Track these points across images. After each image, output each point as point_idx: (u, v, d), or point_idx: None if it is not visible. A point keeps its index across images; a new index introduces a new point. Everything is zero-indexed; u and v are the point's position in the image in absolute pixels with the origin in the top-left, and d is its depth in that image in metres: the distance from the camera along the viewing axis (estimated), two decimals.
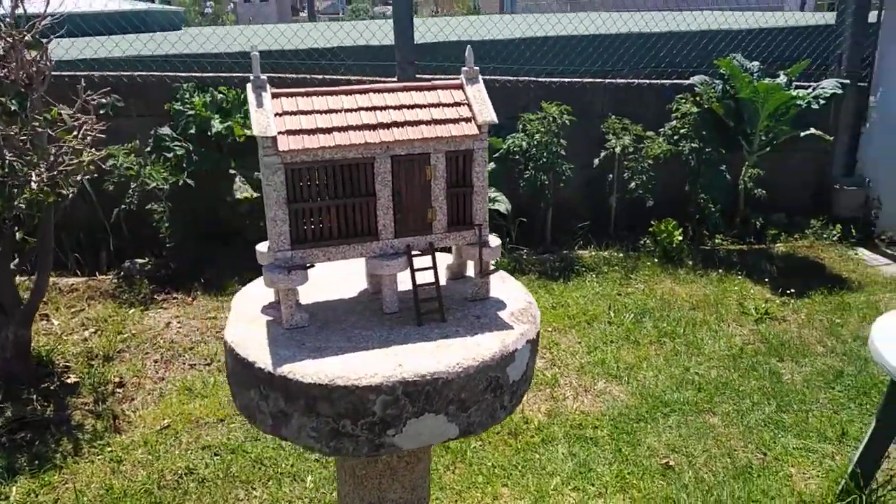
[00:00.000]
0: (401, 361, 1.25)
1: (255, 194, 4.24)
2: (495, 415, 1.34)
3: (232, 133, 4.27)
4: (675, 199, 5.30)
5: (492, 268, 1.50)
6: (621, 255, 5.03)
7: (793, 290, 4.53)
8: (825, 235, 5.48)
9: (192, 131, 4.08)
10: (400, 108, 1.37)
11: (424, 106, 1.39)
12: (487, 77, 5.12)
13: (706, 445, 2.96)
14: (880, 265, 5.13)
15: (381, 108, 1.36)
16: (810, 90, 4.92)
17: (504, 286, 1.58)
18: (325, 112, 1.33)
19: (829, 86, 4.86)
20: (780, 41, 5.73)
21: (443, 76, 5.02)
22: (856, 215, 5.64)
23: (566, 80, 5.19)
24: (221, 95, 4.33)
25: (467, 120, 1.39)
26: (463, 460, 2.78)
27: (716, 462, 2.86)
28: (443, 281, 1.53)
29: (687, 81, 5.31)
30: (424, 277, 1.41)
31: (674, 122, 5.19)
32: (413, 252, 1.41)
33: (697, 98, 5.10)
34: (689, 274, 4.81)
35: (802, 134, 5.05)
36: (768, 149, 5.13)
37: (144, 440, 2.77)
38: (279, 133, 1.27)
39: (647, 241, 5.12)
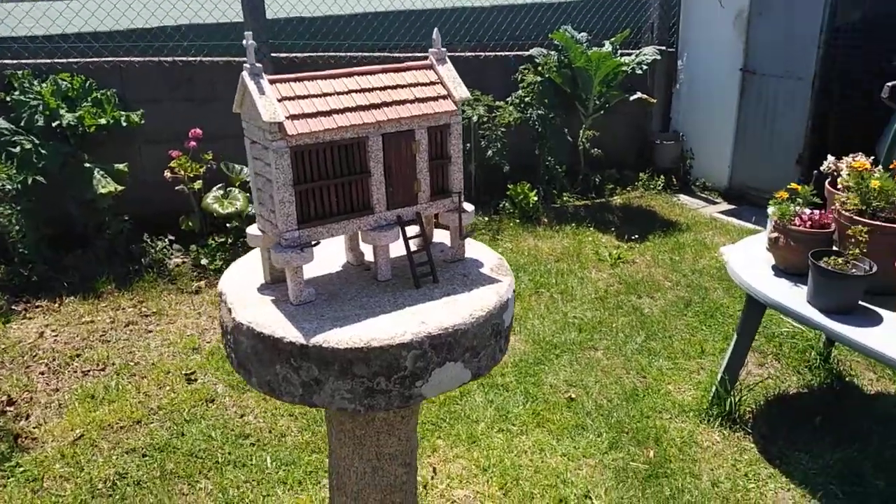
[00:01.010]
0: (422, 319, 1.38)
1: (118, 187, 3.99)
2: (496, 357, 1.52)
3: (82, 124, 3.96)
4: (527, 163, 5.73)
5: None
6: (486, 218, 5.36)
7: (636, 236, 5.13)
8: (651, 186, 6.22)
9: (40, 123, 3.74)
10: (385, 88, 1.48)
11: (405, 86, 1.50)
12: (342, 53, 5.17)
13: (597, 377, 3.36)
14: (699, 207, 5.93)
15: (369, 90, 1.46)
16: (633, 57, 5.53)
17: (472, 247, 1.74)
18: (321, 96, 1.40)
19: (649, 52, 5.49)
20: (602, 13, 6.33)
21: (311, 54, 5.00)
22: (674, 166, 6.44)
23: (416, 55, 5.36)
24: (65, 83, 3.99)
25: (444, 97, 1.53)
26: None
27: (608, 390, 3.26)
28: (414, 248, 1.67)
29: (527, 53, 5.72)
30: (413, 244, 1.54)
31: (520, 92, 5.58)
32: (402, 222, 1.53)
33: (540, 68, 5.52)
34: (546, 230, 5.25)
35: (631, 98, 5.67)
36: (602, 112, 5.70)
37: (60, 453, 2.60)
38: (285, 118, 1.33)
39: (507, 204, 5.51)
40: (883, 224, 2.52)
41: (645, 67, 5.43)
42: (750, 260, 2.94)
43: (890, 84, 4.29)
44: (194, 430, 2.80)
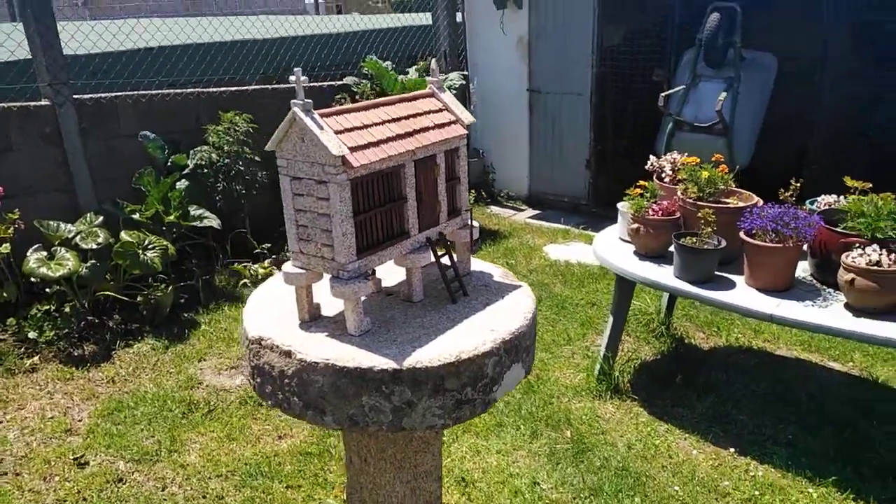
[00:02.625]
0: (490, 327, 1.48)
1: None
2: (534, 353, 1.65)
3: None
4: None
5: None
6: None
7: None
8: (470, 203, 6.66)
9: None
10: (409, 118, 1.54)
11: (422, 114, 1.58)
12: (151, 91, 4.84)
13: None
14: (511, 215, 6.50)
15: (397, 120, 1.52)
16: (444, 81, 5.90)
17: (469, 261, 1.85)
18: (364, 128, 1.43)
19: (455, 77, 5.92)
20: (398, 42, 6.65)
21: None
22: (479, 181, 6.96)
23: (235, 88, 5.20)
24: None
25: (454, 122, 1.63)
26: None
27: None
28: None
29: (339, 82, 5.83)
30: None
31: None
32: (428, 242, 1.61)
33: (357, 97, 5.67)
34: None
35: None
36: None
37: None
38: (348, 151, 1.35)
39: None
40: (720, 206, 3.09)
41: (454, 91, 5.84)
42: (614, 251, 3.38)
43: (663, 94, 5.16)
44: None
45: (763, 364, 3.76)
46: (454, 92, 5.87)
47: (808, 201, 3.26)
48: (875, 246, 2.68)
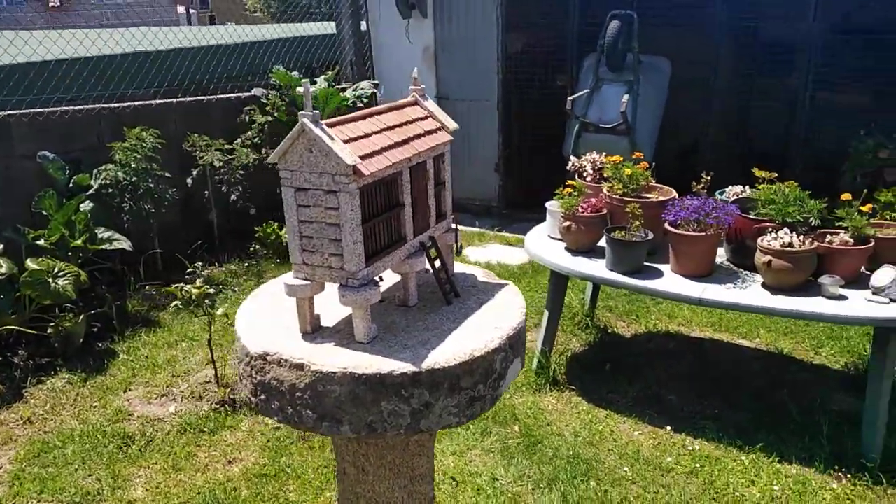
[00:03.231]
0: (494, 325, 1.53)
1: None
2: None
3: None
4: (269, 204, 5.67)
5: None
6: (245, 264, 5.20)
7: None
8: None
9: None
10: (401, 126, 1.57)
11: (411, 122, 1.61)
12: (48, 108, 4.52)
13: None
14: None
15: (392, 129, 1.54)
16: (353, 90, 5.90)
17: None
18: (367, 136, 1.45)
19: (366, 86, 5.92)
20: (304, 51, 6.57)
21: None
22: None
23: (139, 103, 4.96)
24: None
25: (440, 129, 1.68)
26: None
27: None
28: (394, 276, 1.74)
29: (246, 94, 5.68)
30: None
31: (249, 133, 5.52)
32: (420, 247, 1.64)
33: (268, 108, 5.54)
34: None
35: None
36: None
37: None
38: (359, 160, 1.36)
39: (258, 247, 5.41)
40: (645, 200, 3.30)
41: (365, 100, 5.85)
42: (546, 248, 3.52)
43: (570, 98, 5.41)
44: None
45: (681, 346, 4.03)
46: (365, 101, 5.88)
47: (717, 192, 3.54)
48: (786, 229, 2.97)
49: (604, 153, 3.79)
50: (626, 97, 5.24)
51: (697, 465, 2.89)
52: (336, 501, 1.88)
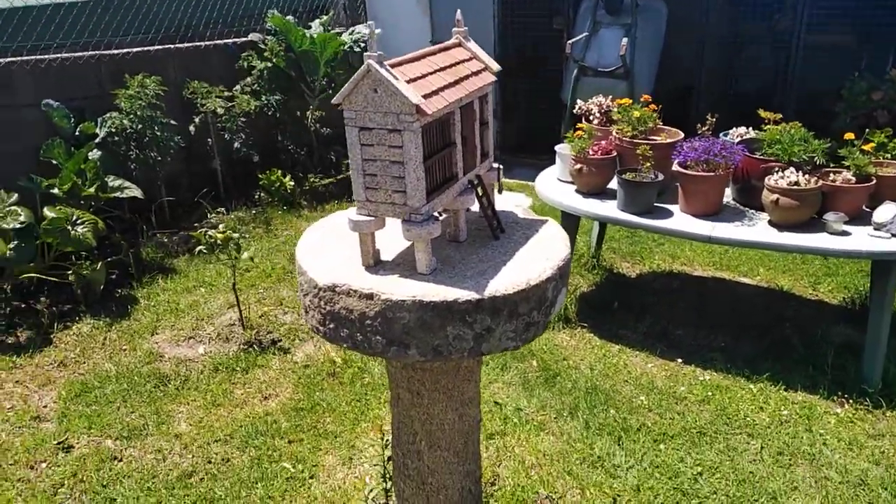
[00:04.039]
0: (545, 256, 1.63)
1: None
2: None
3: None
4: (268, 151, 5.70)
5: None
6: (253, 211, 5.25)
7: None
8: None
9: None
10: (451, 67, 1.63)
11: (459, 63, 1.68)
12: (49, 56, 4.48)
13: None
14: None
15: (444, 69, 1.60)
16: (350, 34, 5.85)
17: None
18: (424, 77, 1.51)
19: (363, 30, 5.87)
20: None
21: None
22: None
23: (138, 49, 4.91)
24: None
25: (484, 70, 1.74)
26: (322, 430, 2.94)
27: None
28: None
29: (242, 39, 5.62)
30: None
31: (248, 79, 5.49)
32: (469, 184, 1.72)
33: (266, 53, 5.50)
34: (314, 212, 5.38)
35: None
36: (327, 92, 5.93)
37: None
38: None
39: (262, 194, 5.45)
40: (655, 142, 3.38)
41: (363, 45, 5.81)
42: (557, 191, 3.61)
43: (569, 41, 5.42)
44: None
45: (685, 284, 4.18)
46: (363, 45, 5.84)
47: (721, 133, 3.63)
48: (792, 169, 3.07)
49: (604, 97, 3.85)
50: (625, 40, 5.26)
51: (709, 394, 3.06)
52: (391, 425, 2.00)
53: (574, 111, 4.02)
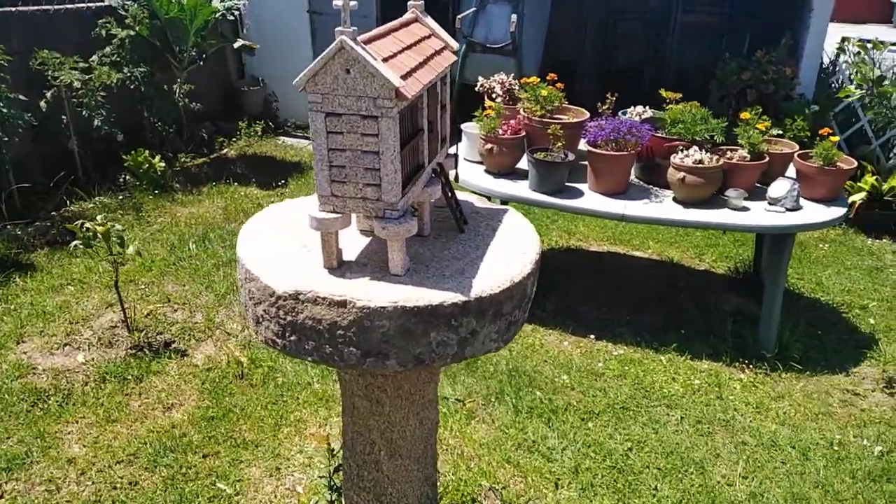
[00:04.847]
0: (521, 249, 1.53)
1: None
2: None
3: None
4: (133, 128, 5.15)
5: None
6: (120, 197, 4.73)
7: (282, 182, 5.27)
8: (252, 133, 6.27)
9: None
10: (416, 44, 1.48)
11: (421, 40, 1.52)
12: None
13: None
14: (307, 145, 6.29)
15: (411, 47, 1.44)
16: (222, 2, 5.39)
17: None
18: (395, 56, 1.35)
19: None
20: None
21: None
22: (262, 111, 6.58)
23: None
24: None
25: (445, 48, 1.60)
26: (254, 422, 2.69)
27: None
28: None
29: (98, 3, 5.01)
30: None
31: (107, 49, 4.91)
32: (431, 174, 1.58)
33: (128, 21, 4.93)
34: (189, 196, 4.94)
35: (236, 45, 5.55)
36: (198, 63, 5.45)
37: None
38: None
39: (128, 177, 4.94)
40: (565, 121, 3.38)
41: (236, 12, 5.38)
42: (467, 172, 3.52)
43: (459, 16, 5.32)
44: None
45: (583, 260, 4.27)
46: (235, 14, 5.42)
47: (620, 112, 3.70)
48: (695, 147, 3.19)
49: (488, 73, 3.82)
50: (514, 17, 5.24)
51: (624, 368, 3.14)
52: (342, 435, 1.84)
53: (476, 89, 3.94)
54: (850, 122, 5.10)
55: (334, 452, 2.14)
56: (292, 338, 1.40)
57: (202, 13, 5.06)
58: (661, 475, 2.53)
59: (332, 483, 2.10)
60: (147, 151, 4.94)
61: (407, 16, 1.59)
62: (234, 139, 6.14)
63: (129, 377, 2.88)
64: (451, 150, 1.71)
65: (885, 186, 4.62)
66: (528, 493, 2.40)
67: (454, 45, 1.62)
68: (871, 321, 3.58)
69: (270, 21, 6.34)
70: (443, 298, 1.34)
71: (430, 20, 1.62)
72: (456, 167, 1.71)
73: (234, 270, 3.89)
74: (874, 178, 4.63)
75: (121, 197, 4.73)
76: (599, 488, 2.44)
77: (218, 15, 5.26)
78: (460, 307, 1.35)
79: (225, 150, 5.94)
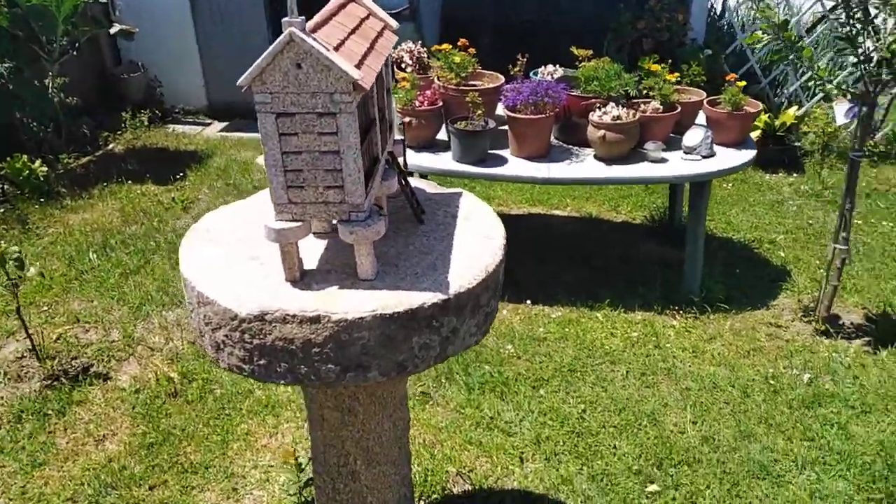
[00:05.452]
0: (485, 234, 1.47)
1: None
2: None
3: None
4: (2, 131, 4.66)
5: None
6: (2, 210, 4.29)
7: (180, 175, 4.93)
8: (139, 124, 5.82)
9: None
10: (359, 27, 1.36)
11: (362, 21, 1.40)
12: None
13: None
14: (200, 131, 5.92)
15: (354, 31, 1.32)
16: None
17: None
18: (343, 43, 1.23)
19: None
20: None
21: None
22: (145, 98, 6.12)
23: None
24: None
25: (385, 28, 1.48)
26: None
27: None
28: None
29: None
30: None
31: None
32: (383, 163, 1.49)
33: None
34: (81, 201, 4.55)
35: (112, 31, 5.08)
36: (73, 53, 4.97)
37: None
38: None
39: (7, 186, 4.48)
40: (482, 88, 3.32)
41: None
42: None
43: None
44: None
45: (506, 224, 4.22)
46: None
47: (531, 73, 3.67)
48: (612, 103, 3.21)
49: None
50: None
51: (565, 330, 3.17)
52: (311, 449, 1.74)
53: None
54: (741, 64, 5.33)
55: (302, 467, 2.04)
56: (261, 362, 1.28)
57: (68, 0, 4.59)
58: (618, 432, 2.58)
59: (303, 499, 1.99)
60: (25, 156, 4.49)
61: None
62: (118, 132, 5.68)
63: (50, 412, 2.63)
64: (398, 136, 1.61)
65: (777, 122, 4.87)
66: (496, 471, 2.39)
67: (393, 23, 1.51)
68: (781, 254, 3.79)
69: (144, 1, 5.85)
70: (422, 300, 1.26)
71: (367, 0, 1.49)
72: (404, 153, 1.62)
73: (144, 278, 3.62)
74: (766, 115, 4.86)
75: (1, 210, 4.29)
76: (563, 455, 2.47)
77: (88, 1, 4.79)
78: (440, 306, 1.28)
79: (111, 146, 5.49)
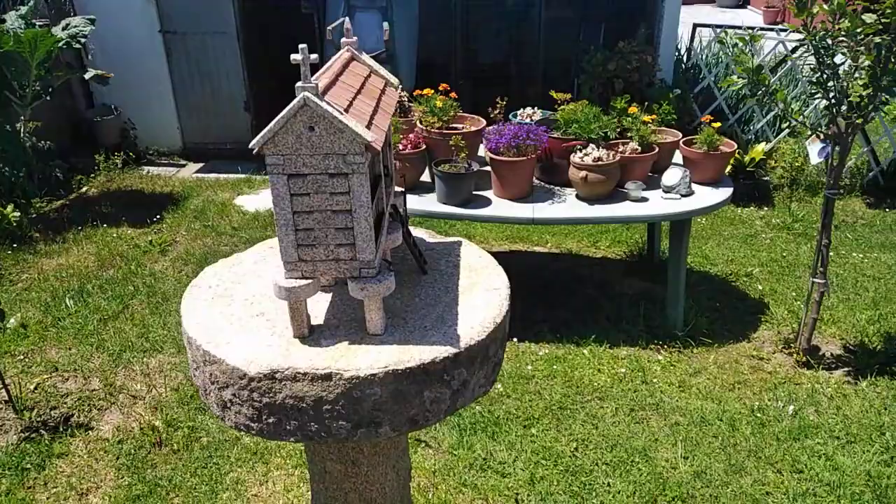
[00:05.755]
0: (491, 285, 1.49)
1: None
2: None
3: None
4: None
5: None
6: None
7: (157, 217, 4.89)
8: (112, 167, 5.76)
9: None
10: (363, 86, 1.39)
11: (365, 80, 1.43)
12: None
13: None
14: (175, 174, 5.88)
15: (360, 91, 1.35)
16: (64, 29, 4.89)
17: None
18: (352, 104, 1.25)
19: (79, 22, 4.94)
20: None
21: None
22: (119, 141, 6.07)
23: None
24: None
25: (388, 85, 1.52)
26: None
27: None
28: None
29: None
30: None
31: None
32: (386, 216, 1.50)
33: None
34: (56, 246, 4.48)
35: (87, 76, 5.05)
36: (47, 98, 4.93)
37: None
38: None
39: None
40: (465, 132, 3.37)
41: (82, 40, 4.91)
42: None
43: (329, 27, 5.15)
44: None
45: None
46: (82, 41, 4.95)
47: (510, 115, 3.75)
48: (592, 145, 3.29)
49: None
50: (386, 25, 5.16)
51: (552, 367, 3.19)
52: (311, 501, 1.71)
53: None
54: (709, 102, 5.50)
55: None
56: (270, 420, 1.27)
57: (44, 44, 4.57)
58: (611, 469, 2.59)
59: None
60: None
61: (343, 55, 1.51)
62: (92, 175, 5.62)
63: (29, 466, 2.55)
64: (398, 189, 1.64)
65: (747, 158, 5.02)
66: None
67: (394, 80, 1.55)
68: (759, 287, 3.88)
69: (117, 45, 5.84)
70: (434, 354, 1.27)
71: (365, 57, 1.54)
72: (405, 205, 1.64)
73: (123, 324, 3.56)
74: (737, 150, 5.01)
75: None
76: (558, 495, 2.46)
77: (62, 44, 4.77)
78: (452, 360, 1.29)
79: (84, 189, 5.43)
